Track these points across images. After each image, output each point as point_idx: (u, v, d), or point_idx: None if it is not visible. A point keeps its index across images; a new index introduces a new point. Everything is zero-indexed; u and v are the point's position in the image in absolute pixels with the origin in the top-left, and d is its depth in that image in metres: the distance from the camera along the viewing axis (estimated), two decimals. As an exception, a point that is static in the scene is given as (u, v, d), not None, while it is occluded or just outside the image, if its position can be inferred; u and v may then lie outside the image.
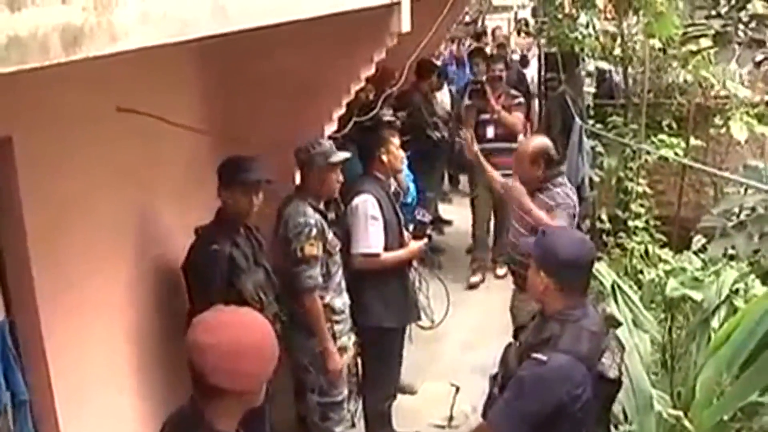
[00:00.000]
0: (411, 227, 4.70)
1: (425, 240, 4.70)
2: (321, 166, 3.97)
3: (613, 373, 2.74)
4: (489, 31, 14.98)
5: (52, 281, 2.76)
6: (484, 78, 7.77)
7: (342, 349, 4.14)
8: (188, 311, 3.41)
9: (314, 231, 3.88)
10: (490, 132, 7.07)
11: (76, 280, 2.92)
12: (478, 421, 3.02)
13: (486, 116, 7.13)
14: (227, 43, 2.46)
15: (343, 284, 4.19)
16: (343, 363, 4.13)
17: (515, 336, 3.07)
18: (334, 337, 4.09)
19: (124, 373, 3.33)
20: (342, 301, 4.16)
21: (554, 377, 2.66)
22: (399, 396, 5.02)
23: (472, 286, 7.34)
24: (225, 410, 2.06)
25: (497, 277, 7.38)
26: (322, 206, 4.06)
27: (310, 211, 3.94)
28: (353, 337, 4.30)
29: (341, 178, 4.10)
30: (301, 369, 4.09)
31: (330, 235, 4.03)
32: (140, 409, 3.38)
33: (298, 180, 4.18)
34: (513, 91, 7.47)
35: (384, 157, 4.54)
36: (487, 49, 11.11)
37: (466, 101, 7.71)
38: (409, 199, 5.46)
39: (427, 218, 4.71)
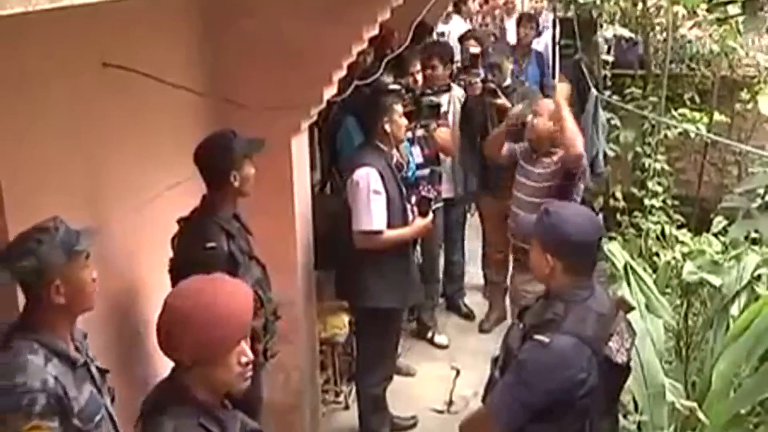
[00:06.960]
0: (413, 202, 4.61)
1: (431, 217, 4.62)
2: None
3: (620, 358, 2.73)
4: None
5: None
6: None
7: None
8: None
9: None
10: (418, 155, 5.42)
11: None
12: (479, 406, 3.03)
13: (408, 135, 5.23)
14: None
15: None
16: None
17: (519, 317, 3.08)
18: None
19: (106, 354, 3.31)
20: None
21: (556, 361, 2.64)
22: (396, 378, 5.03)
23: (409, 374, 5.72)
24: (204, 380, 2.10)
25: (438, 346, 6.10)
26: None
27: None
28: None
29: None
30: None
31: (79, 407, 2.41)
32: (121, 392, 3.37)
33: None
34: (433, 98, 5.69)
35: (387, 127, 4.45)
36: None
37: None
38: (410, 173, 5.16)
39: (433, 194, 4.63)
